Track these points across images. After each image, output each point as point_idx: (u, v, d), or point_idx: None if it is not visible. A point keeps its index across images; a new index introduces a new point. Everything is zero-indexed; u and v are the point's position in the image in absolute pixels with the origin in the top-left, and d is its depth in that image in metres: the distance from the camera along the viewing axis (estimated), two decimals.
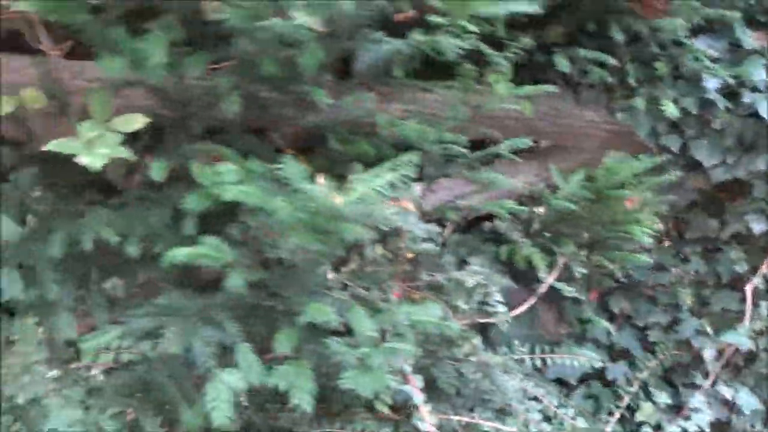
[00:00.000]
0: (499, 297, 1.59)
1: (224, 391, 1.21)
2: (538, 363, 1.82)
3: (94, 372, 1.70)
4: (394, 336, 1.39)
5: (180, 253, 1.19)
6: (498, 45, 1.47)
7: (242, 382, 1.24)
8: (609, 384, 2.20)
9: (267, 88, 1.44)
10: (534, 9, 1.32)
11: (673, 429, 1.79)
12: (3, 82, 1.81)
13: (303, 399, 1.24)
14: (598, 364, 1.82)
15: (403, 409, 1.79)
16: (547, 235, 1.95)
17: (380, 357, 1.26)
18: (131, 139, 1.50)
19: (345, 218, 1.13)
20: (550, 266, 1.81)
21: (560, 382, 2.15)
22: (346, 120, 1.60)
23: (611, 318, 2.29)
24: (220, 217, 1.55)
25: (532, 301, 1.76)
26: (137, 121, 1.37)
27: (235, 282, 1.25)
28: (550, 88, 1.51)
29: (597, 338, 2.23)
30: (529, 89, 1.50)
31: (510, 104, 1.51)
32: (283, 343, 1.30)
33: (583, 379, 2.20)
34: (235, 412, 1.21)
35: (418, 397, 1.40)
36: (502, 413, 1.83)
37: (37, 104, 1.45)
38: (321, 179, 1.18)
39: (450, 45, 1.36)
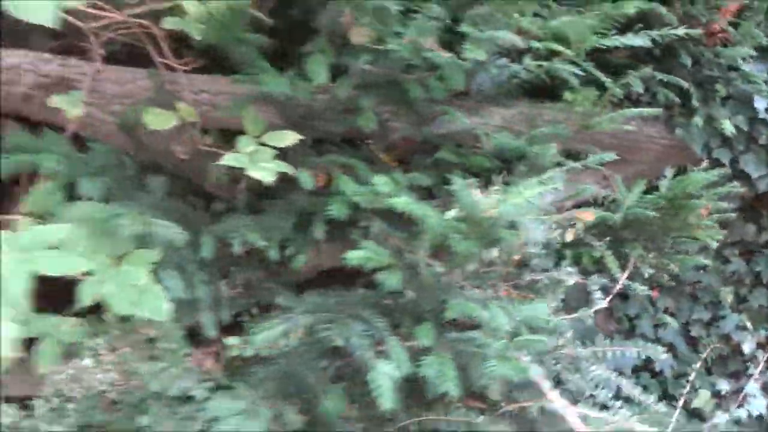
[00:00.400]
0: (599, 294, 1.76)
1: (385, 380, 1.36)
2: (609, 355, 2.00)
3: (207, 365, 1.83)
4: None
5: (353, 256, 1.33)
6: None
7: (397, 372, 1.39)
8: (656, 375, 2.41)
9: (401, 107, 1.59)
10: (646, 43, 1.49)
11: (739, 413, 1.99)
12: (118, 93, 1.91)
13: (450, 385, 1.39)
14: (663, 356, 2.01)
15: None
16: (609, 238, 2.13)
17: (515, 349, 1.42)
18: None
19: (502, 226, 1.29)
20: (622, 267, 1.99)
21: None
22: (454, 134, 1.76)
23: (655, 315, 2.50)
24: (345, 223, 1.70)
25: (609, 297, 1.94)
26: (288, 138, 1.48)
27: (391, 282, 1.39)
28: (656, 111, 1.70)
29: (644, 333, 2.43)
30: (634, 112, 1.68)
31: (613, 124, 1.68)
32: (423, 336, 1.45)
33: (633, 370, 2.41)
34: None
35: (546, 384, 1.56)
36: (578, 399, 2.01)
37: (191, 118, 1.56)
38: (477, 192, 1.33)
39: (566, 70, 1.53)
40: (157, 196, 1.64)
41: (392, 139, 1.77)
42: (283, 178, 1.74)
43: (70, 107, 1.67)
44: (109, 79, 1.87)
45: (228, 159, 1.40)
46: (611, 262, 1.99)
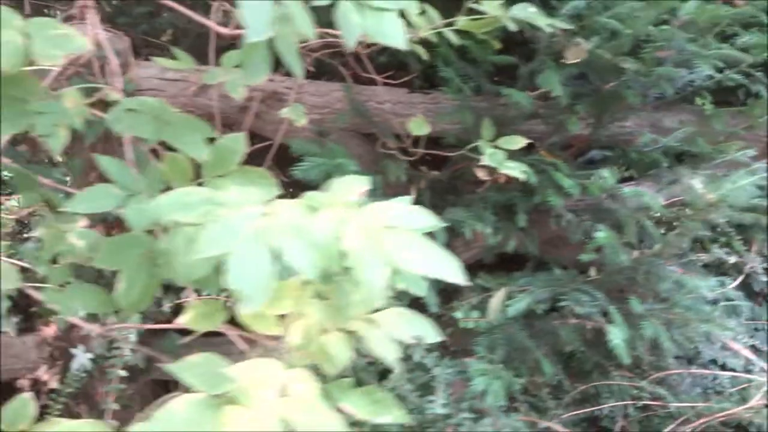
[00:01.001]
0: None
1: (618, 339, 1.62)
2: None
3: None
4: None
5: (599, 236, 1.59)
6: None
7: (622, 334, 1.65)
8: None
9: (590, 111, 1.85)
10: None
11: None
12: (317, 104, 2.15)
13: (667, 345, 1.66)
14: None
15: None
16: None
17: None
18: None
19: (725, 210, 1.56)
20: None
21: None
22: (617, 134, 2.03)
23: (750, 295, 2.82)
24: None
25: (737, 282, 2.23)
26: (518, 141, 1.71)
27: (613, 259, 1.65)
28: None
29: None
30: None
31: None
32: (636, 305, 1.72)
33: None
34: None
35: (738, 345, 1.84)
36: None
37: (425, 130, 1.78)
38: (696, 182, 1.60)
39: (737, 79, 1.81)
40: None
41: (568, 139, 2.03)
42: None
43: (297, 117, 1.89)
44: (308, 91, 2.11)
45: (486, 158, 1.63)
46: (737, 245, 2.28)
